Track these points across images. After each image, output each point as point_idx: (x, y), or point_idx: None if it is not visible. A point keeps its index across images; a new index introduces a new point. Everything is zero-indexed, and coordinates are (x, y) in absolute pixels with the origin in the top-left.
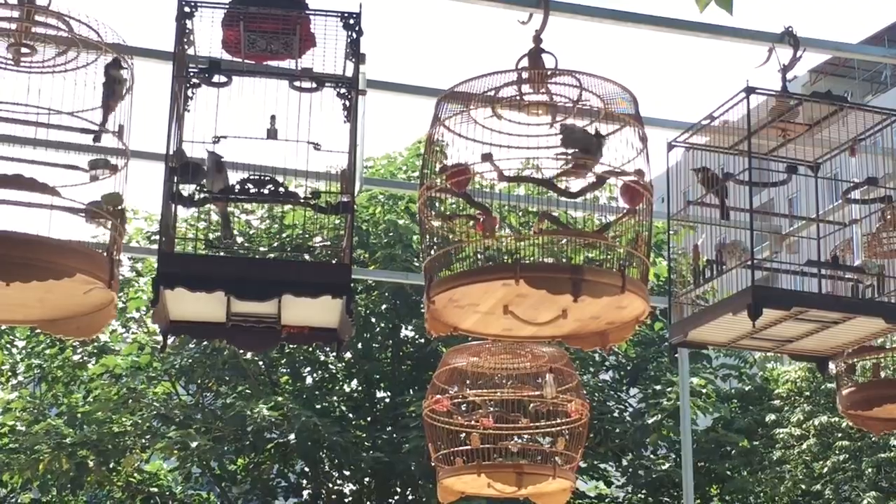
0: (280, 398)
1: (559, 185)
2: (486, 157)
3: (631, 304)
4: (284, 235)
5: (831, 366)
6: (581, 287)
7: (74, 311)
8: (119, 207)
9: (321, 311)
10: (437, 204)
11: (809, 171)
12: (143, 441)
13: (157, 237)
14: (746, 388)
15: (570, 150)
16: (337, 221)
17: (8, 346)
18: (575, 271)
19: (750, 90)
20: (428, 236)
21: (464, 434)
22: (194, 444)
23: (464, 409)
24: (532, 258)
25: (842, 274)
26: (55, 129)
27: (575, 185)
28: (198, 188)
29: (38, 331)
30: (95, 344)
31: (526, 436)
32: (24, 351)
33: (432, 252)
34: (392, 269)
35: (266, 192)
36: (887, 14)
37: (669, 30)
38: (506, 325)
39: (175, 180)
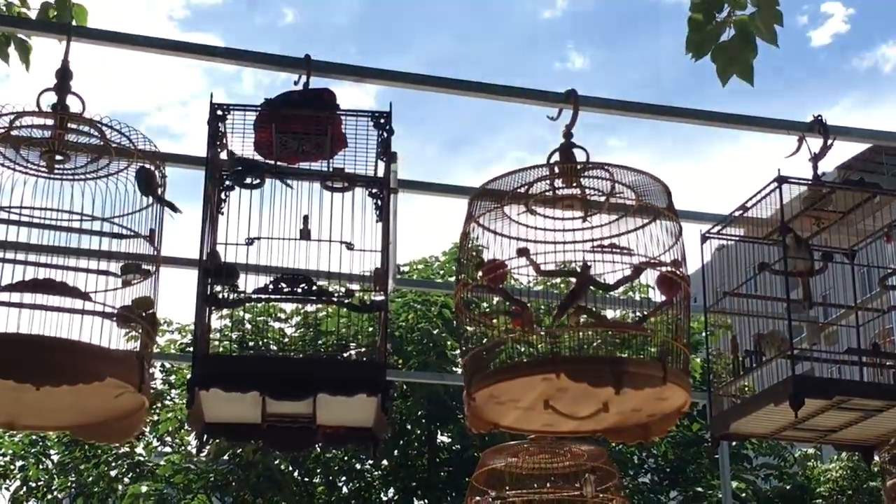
0: None
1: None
2: (522, 252)
3: (673, 396)
4: (320, 342)
5: (875, 456)
6: (622, 379)
7: (105, 415)
8: (150, 311)
9: (357, 409)
10: (474, 301)
11: (845, 259)
12: None
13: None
14: (787, 488)
15: (605, 243)
16: (370, 329)
17: (42, 457)
18: (616, 363)
19: (782, 180)
20: (466, 333)
21: None
22: None
23: None
24: (570, 351)
25: (883, 361)
26: (87, 235)
27: (612, 277)
28: (231, 289)
29: (71, 443)
30: (130, 461)
31: None
32: (58, 465)
33: (471, 349)
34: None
35: (300, 290)
36: None
37: (698, 121)
38: (546, 420)
39: (209, 282)
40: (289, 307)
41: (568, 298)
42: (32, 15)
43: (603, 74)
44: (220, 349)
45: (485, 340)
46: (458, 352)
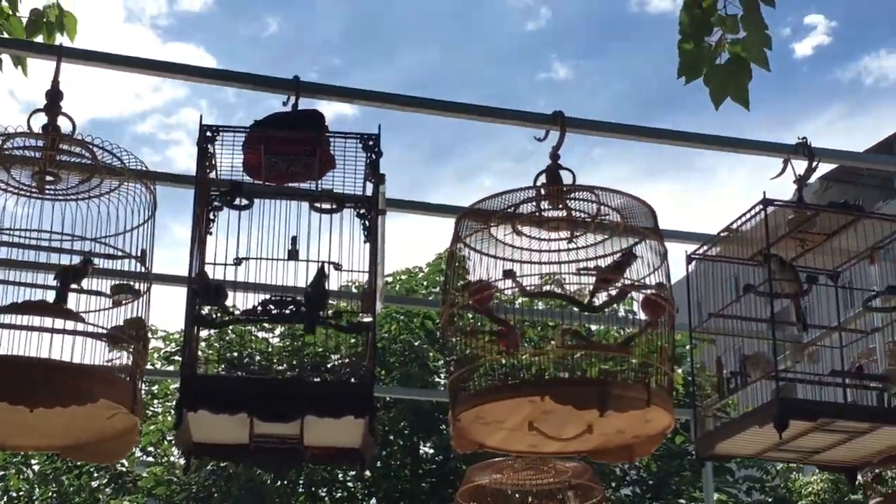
0: None
1: (581, 299)
2: (509, 274)
3: (657, 417)
4: (304, 354)
5: (859, 476)
6: (607, 401)
7: (98, 436)
8: (141, 332)
9: (344, 430)
10: (459, 321)
11: (829, 281)
12: None
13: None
14: (769, 500)
15: (591, 266)
16: (353, 340)
17: (23, 467)
18: (601, 385)
19: (767, 202)
20: (452, 354)
21: None
22: None
23: None
24: (551, 373)
25: (867, 383)
26: (78, 256)
27: (597, 298)
28: (220, 310)
29: (52, 453)
30: (112, 472)
31: None
32: (39, 475)
33: (456, 369)
34: (408, 388)
35: (288, 312)
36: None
37: (684, 143)
38: (531, 441)
39: (197, 303)
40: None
41: (612, 271)
42: (23, 19)
43: (586, 85)
44: (205, 369)
45: (468, 354)
46: (440, 363)
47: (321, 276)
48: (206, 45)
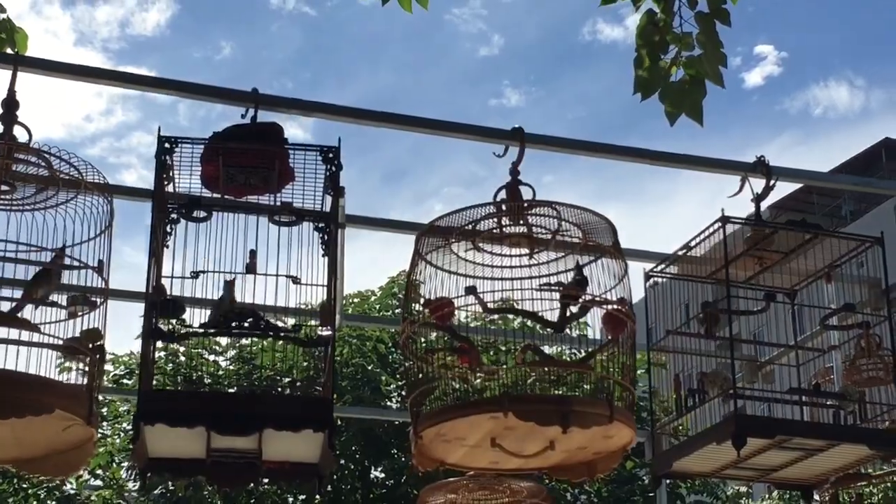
0: None
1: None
2: (471, 291)
3: (618, 434)
4: (255, 377)
5: (816, 496)
6: (570, 418)
7: (52, 448)
8: (98, 343)
9: (302, 445)
10: (419, 339)
11: (787, 299)
12: None
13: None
14: None
15: (553, 282)
16: (305, 364)
17: None
18: (563, 403)
19: (725, 219)
20: (412, 372)
21: None
22: None
23: None
24: (512, 390)
25: (824, 401)
26: (34, 266)
27: (558, 315)
28: (178, 323)
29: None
30: (59, 494)
31: None
32: None
33: (417, 387)
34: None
35: (246, 325)
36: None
37: (643, 160)
38: (493, 458)
39: (154, 316)
40: (224, 340)
41: (574, 287)
42: None
43: (538, 112)
44: (158, 383)
45: (428, 375)
46: (392, 387)
47: (229, 289)
48: (159, 68)
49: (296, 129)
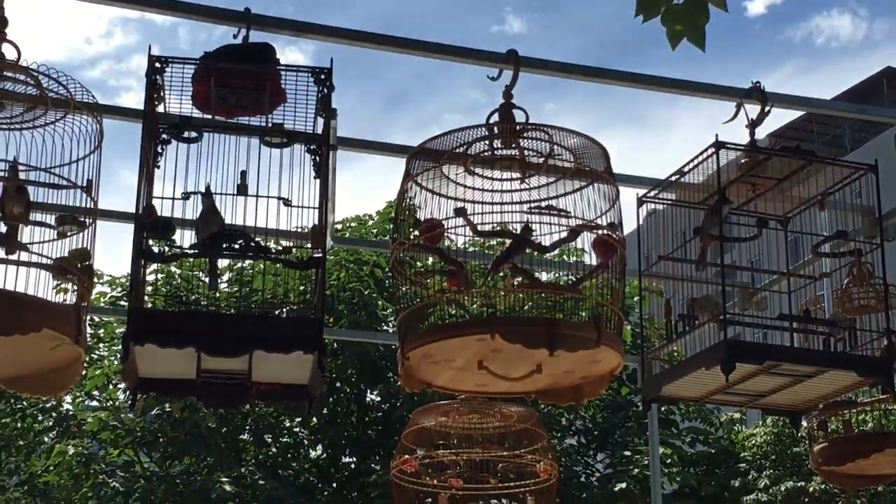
0: (244, 468)
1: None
2: (460, 212)
3: (606, 358)
4: (253, 299)
5: (804, 422)
6: (557, 341)
7: (40, 367)
8: (87, 263)
9: (292, 367)
10: (409, 260)
11: (779, 226)
12: None
13: (121, 302)
14: (712, 451)
15: (543, 204)
16: (302, 287)
17: None
18: (550, 325)
19: (720, 145)
20: (401, 293)
21: (430, 500)
22: None
23: (431, 470)
24: (505, 312)
25: (814, 328)
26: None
27: (548, 239)
28: (168, 244)
29: None
30: (56, 414)
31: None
32: None
33: (405, 308)
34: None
35: (237, 247)
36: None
37: (639, 85)
38: (480, 381)
39: (145, 236)
40: (221, 263)
41: (503, 255)
42: None
43: (540, 39)
44: (152, 304)
45: (418, 300)
46: (388, 311)
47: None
48: None
49: (296, 54)
